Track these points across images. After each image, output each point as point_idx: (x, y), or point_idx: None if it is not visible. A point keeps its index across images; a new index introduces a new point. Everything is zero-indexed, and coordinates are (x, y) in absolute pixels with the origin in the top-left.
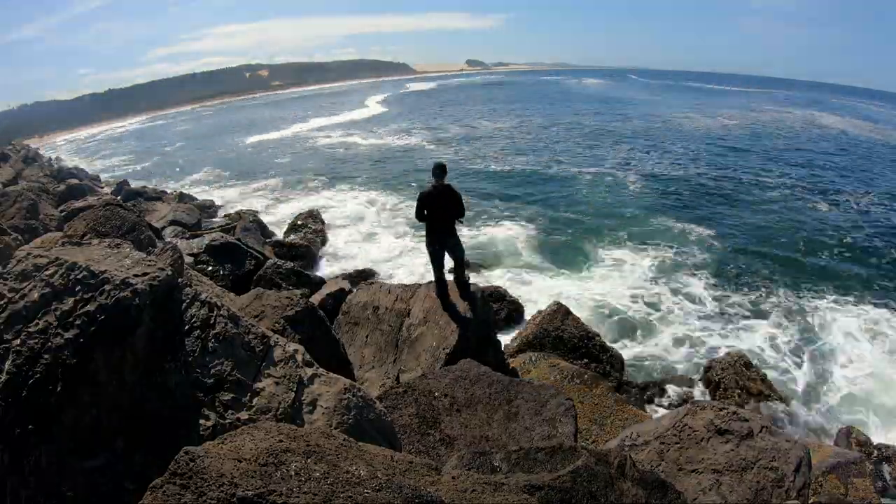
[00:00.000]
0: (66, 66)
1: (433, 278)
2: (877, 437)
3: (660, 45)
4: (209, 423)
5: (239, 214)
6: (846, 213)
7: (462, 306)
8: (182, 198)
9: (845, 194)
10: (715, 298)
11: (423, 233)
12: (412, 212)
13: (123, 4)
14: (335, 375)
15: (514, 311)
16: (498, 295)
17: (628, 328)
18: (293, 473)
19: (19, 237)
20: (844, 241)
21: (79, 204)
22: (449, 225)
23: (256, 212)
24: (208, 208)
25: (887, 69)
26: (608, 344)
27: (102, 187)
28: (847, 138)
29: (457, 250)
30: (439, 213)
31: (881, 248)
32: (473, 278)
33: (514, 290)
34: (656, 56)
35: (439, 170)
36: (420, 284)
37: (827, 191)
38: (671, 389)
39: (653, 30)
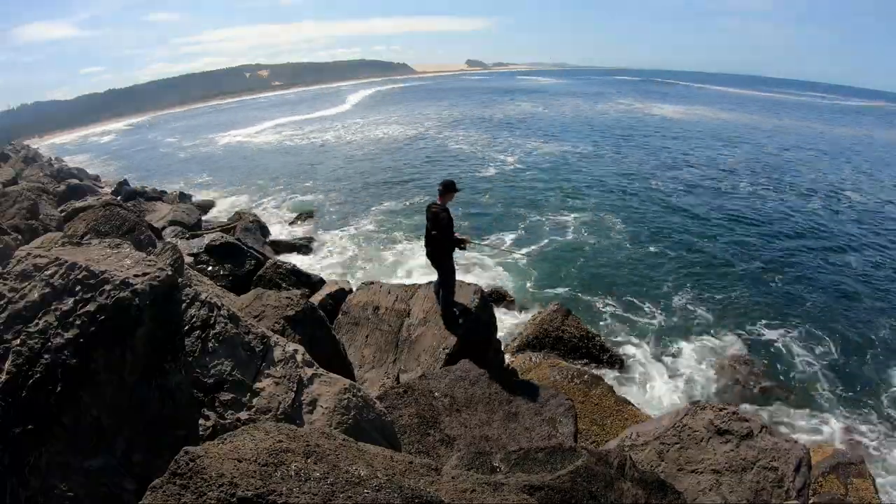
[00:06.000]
0: (68, 67)
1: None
2: (877, 438)
3: (655, 47)
4: (209, 423)
5: (239, 214)
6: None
7: (462, 307)
8: (182, 198)
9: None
10: (715, 298)
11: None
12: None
13: (126, 7)
14: (335, 375)
15: (514, 311)
16: (498, 295)
17: (626, 328)
18: (293, 473)
19: (19, 237)
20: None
21: (79, 204)
22: (435, 245)
23: (256, 212)
24: (208, 208)
25: (864, 66)
26: (608, 344)
27: (102, 187)
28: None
29: (446, 283)
30: (428, 232)
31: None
32: (471, 279)
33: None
34: (652, 57)
35: (440, 187)
36: (420, 285)
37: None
38: (671, 389)
39: (648, 31)
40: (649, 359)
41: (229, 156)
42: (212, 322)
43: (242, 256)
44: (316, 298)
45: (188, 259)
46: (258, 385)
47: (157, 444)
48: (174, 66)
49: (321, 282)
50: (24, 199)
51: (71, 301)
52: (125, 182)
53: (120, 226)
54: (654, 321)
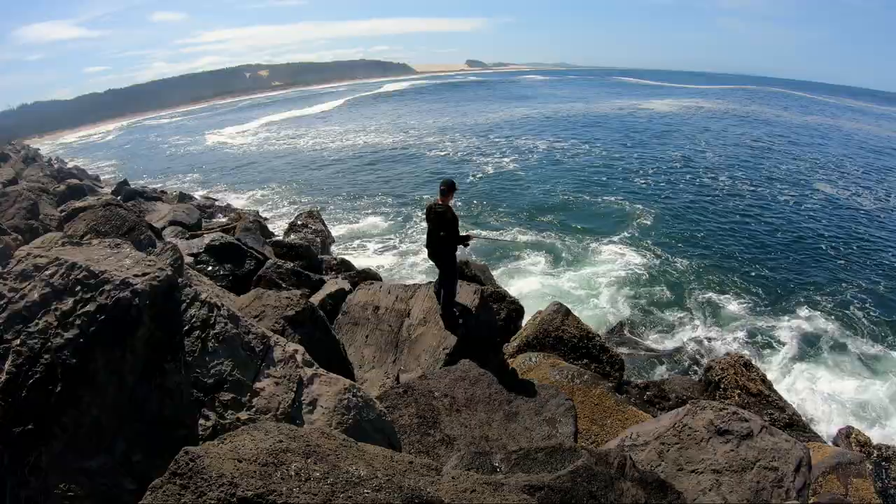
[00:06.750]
0: (71, 67)
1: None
2: (877, 437)
3: (656, 47)
4: (209, 423)
5: (239, 214)
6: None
7: (462, 307)
8: (182, 198)
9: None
10: (715, 298)
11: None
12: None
13: (130, 7)
14: (335, 375)
15: (514, 312)
16: (498, 295)
17: (626, 328)
18: (293, 473)
19: (19, 237)
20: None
21: (79, 204)
22: (440, 245)
23: (257, 212)
24: (208, 208)
25: (849, 66)
26: (608, 344)
27: (102, 187)
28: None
29: (449, 283)
30: (432, 232)
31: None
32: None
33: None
34: (652, 57)
35: (443, 186)
36: (420, 285)
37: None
38: (671, 389)
39: (649, 31)
40: (649, 358)
41: (229, 155)
42: (212, 322)
43: (242, 256)
44: (316, 298)
45: (188, 259)
46: (258, 385)
47: (157, 444)
48: (175, 66)
49: (321, 282)
50: (24, 199)
51: (71, 301)
52: (125, 182)
53: (120, 226)
54: (655, 320)
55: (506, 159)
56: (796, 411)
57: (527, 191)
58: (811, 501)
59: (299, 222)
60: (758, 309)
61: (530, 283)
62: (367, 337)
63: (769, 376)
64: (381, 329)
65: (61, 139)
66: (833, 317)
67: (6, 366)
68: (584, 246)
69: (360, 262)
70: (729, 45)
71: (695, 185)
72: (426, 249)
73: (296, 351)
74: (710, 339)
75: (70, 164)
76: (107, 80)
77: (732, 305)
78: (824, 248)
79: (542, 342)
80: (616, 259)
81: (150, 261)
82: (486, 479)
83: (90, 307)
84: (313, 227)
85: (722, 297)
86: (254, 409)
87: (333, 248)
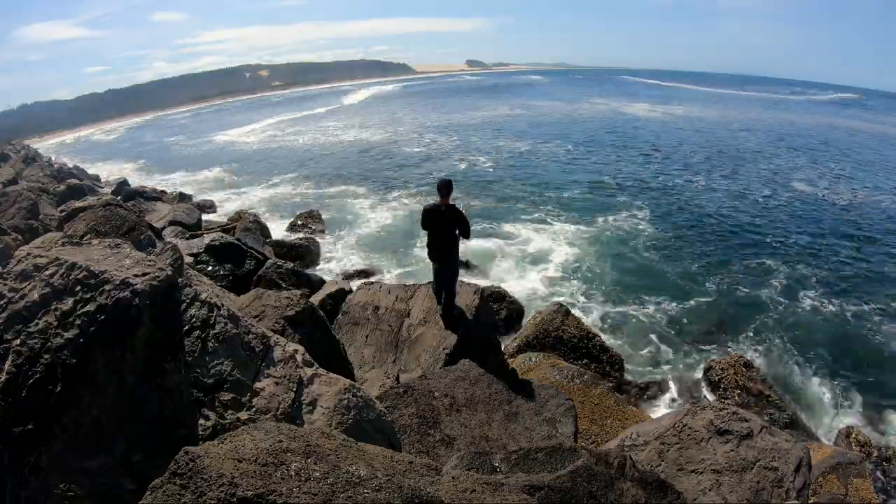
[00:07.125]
0: (72, 67)
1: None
2: (877, 437)
3: (656, 47)
4: (209, 423)
5: (239, 214)
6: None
7: (462, 307)
8: (182, 198)
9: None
10: (715, 298)
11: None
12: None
13: (131, 7)
14: (335, 375)
15: (514, 312)
16: (498, 295)
17: (626, 328)
18: (293, 473)
19: (19, 237)
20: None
21: (79, 204)
22: (446, 246)
23: (256, 212)
24: (208, 208)
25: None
26: (608, 344)
27: (102, 187)
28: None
29: (452, 283)
30: (437, 233)
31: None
32: (471, 278)
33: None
34: (652, 57)
35: (444, 187)
36: (420, 285)
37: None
38: (671, 389)
39: (649, 32)
40: (649, 358)
41: (228, 155)
42: (212, 322)
43: (242, 256)
44: (316, 298)
45: (188, 259)
46: (258, 385)
47: (157, 444)
48: (175, 66)
49: (321, 282)
50: (24, 199)
51: (71, 301)
52: (125, 182)
53: (120, 226)
54: (654, 321)
55: (479, 156)
56: (796, 411)
57: (518, 181)
58: (811, 501)
59: (299, 222)
60: (757, 308)
61: (516, 278)
62: (367, 337)
63: (769, 375)
64: (381, 329)
65: (61, 139)
66: (833, 315)
67: (6, 366)
68: (569, 235)
69: (357, 261)
70: (728, 45)
71: (692, 183)
72: (427, 251)
73: (296, 351)
74: (709, 339)
75: (70, 164)
76: (107, 80)
77: (732, 304)
78: (828, 245)
79: (542, 342)
80: (612, 254)
81: (150, 261)
82: (486, 479)
83: (90, 307)
84: (313, 227)
85: (720, 295)
86: (254, 409)
87: (330, 248)
